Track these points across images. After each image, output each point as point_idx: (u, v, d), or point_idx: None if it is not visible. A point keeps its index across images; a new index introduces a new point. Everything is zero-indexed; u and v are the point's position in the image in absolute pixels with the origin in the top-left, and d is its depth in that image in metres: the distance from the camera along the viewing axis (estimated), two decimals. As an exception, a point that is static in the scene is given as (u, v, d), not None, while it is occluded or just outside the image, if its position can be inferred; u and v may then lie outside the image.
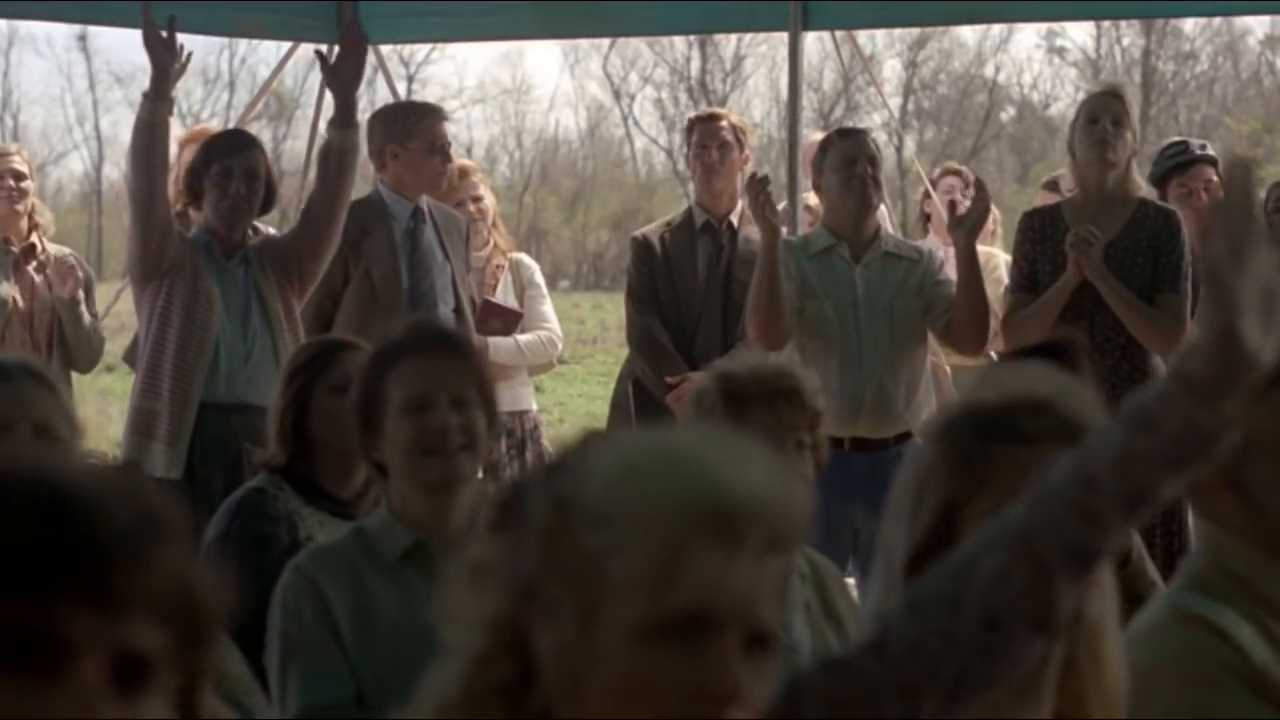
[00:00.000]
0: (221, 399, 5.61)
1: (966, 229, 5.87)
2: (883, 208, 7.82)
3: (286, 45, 8.36)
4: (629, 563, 1.64)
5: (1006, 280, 7.36)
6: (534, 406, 7.09)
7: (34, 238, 6.82)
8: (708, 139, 6.65)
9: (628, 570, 1.64)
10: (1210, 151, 7.01)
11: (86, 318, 6.75)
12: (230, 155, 5.68)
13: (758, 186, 5.84)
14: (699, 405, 3.54)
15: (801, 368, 3.73)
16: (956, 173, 8.45)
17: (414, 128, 6.36)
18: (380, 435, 3.30)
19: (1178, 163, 6.80)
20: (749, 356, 3.71)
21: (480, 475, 3.40)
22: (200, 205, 5.73)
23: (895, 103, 37.74)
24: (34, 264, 6.76)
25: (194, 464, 5.58)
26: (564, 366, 20.04)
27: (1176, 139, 7.21)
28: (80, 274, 6.76)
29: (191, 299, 5.62)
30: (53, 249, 6.92)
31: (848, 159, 5.97)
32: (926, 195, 8.35)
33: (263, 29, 8.03)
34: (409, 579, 3.22)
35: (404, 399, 3.26)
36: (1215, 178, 6.74)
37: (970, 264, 5.92)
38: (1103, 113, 6.05)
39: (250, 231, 6.03)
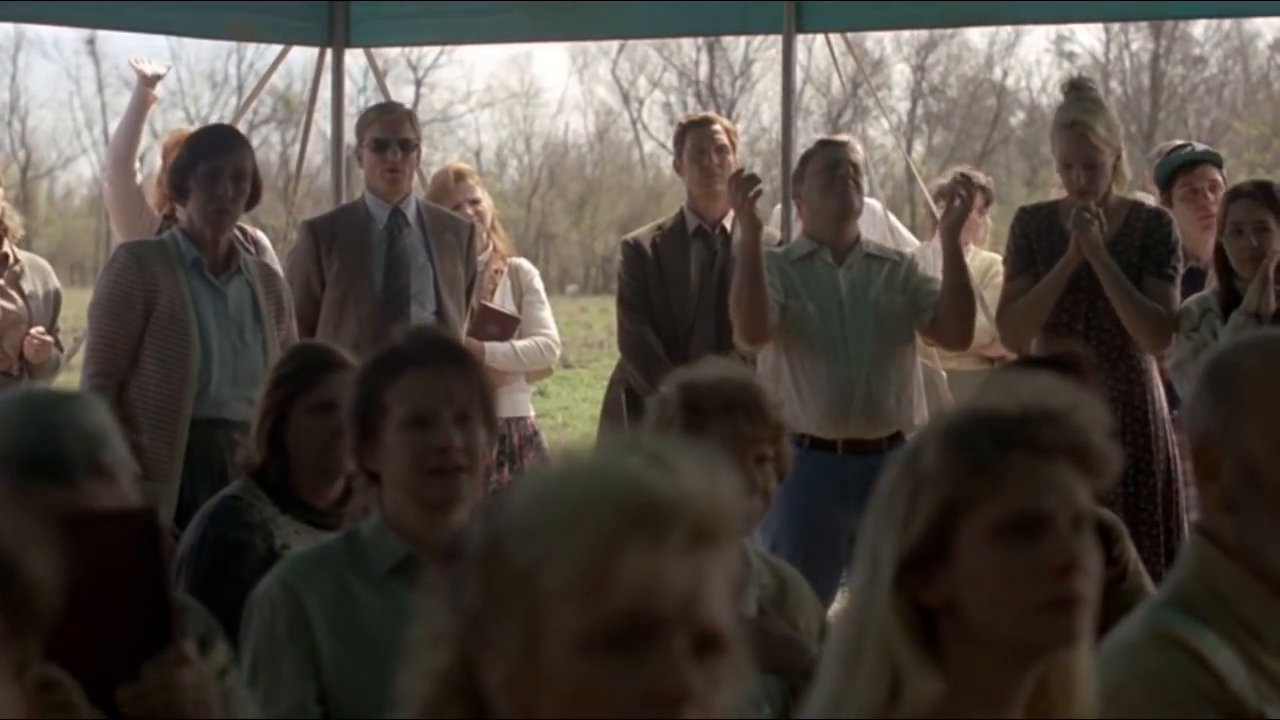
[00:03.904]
0: (209, 414, 5.46)
1: (948, 225, 5.93)
2: (880, 209, 7.78)
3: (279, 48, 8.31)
4: (559, 570, 1.61)
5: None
6: (532, 413, 7.04)
7: (6, 246, 6.59)
8: (705, 143, 6.63)
9: (560, 578, 1.61)
10: (1213, 151, 7.04)
11: (52, 352, 6.55)
12: (218, 155, 5.53)
13: (745, 184, 5.81)
14: (660, 414, 3.48)
15: (764, 380, 3.66)
16: (982, 188, 8.29)
17: (362, 131, 6.46)
18: (378, 444, 3.21)
19: (1182, 162, 6.79)
20: (714, 366, 3.61)
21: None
22: (183, 202, 5.55)
23: (904, 106, 37.74)
24: (4, 274, 6.57)
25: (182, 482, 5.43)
26: (569, 370, 20.02)
27: (1179, 141, 7.23)
28: (54, 343, 6.51)
29: (167, 329, 5.45)
30: (25, 256, 6.62)
31: (830, 164, 5.98)
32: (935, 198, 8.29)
33: (253, 31, 8.01)
34: (396, 592, 3.14)
35: (407, 413, 3.17)
36: (1219, 177, 6.78)
37: (955, 257, 5.93)
38: (1076, 110, 6.00)
39: (240, 233, 5.98)
